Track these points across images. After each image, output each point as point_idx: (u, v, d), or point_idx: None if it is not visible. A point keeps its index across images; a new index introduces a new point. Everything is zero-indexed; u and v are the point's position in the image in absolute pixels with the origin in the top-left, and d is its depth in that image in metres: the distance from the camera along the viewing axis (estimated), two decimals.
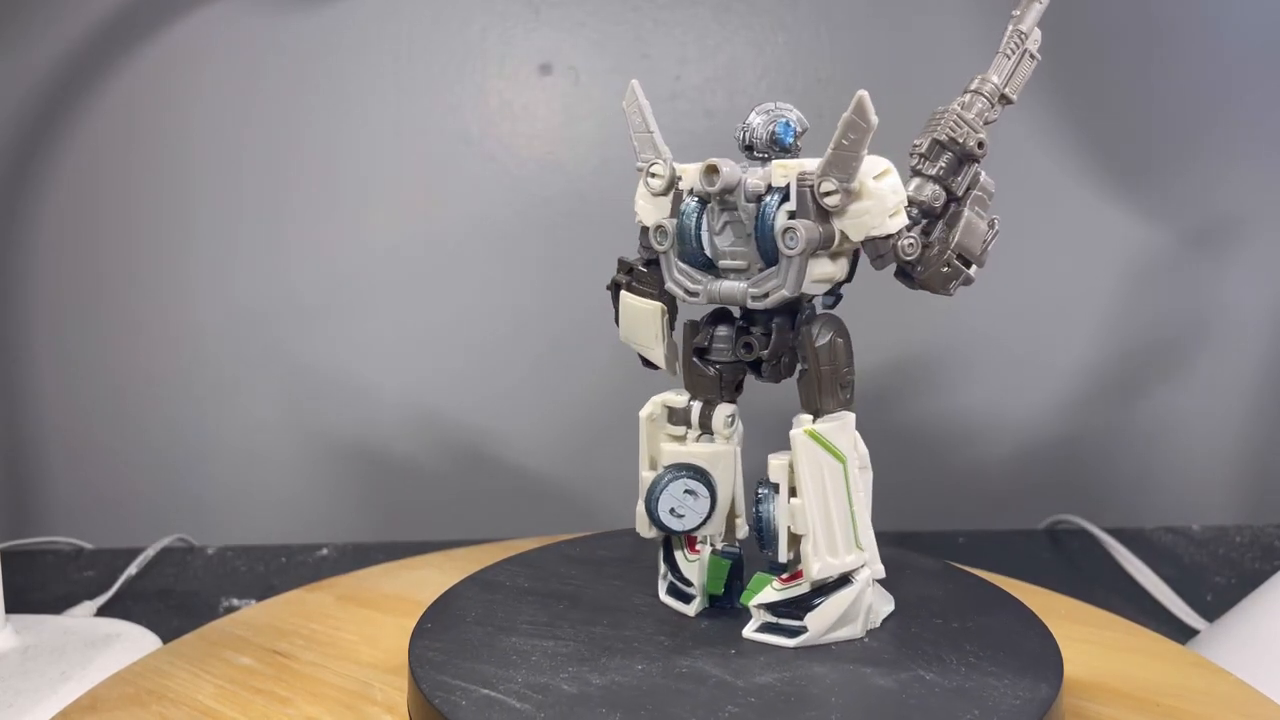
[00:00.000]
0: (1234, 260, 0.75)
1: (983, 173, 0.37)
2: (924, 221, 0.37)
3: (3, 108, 0.71)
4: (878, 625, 0.39)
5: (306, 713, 0.40)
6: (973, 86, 0.38)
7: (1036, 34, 0.39)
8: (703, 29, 0.72)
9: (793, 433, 0.36)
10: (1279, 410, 0.77)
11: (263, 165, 0.73)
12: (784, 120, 0.36)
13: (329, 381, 0.75)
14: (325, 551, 0.73)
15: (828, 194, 0.34)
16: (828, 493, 0.36)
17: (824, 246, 0.35)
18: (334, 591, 0.52)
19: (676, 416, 0.40)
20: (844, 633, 0.38)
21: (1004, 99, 0.38)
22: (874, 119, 0.33)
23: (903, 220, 0.35)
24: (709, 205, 0.37)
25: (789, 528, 0.36)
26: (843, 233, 0.35)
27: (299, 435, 0.76)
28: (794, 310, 0.37)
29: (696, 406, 0.39)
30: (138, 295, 0.74)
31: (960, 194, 0.37)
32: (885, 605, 0.40)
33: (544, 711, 0.33)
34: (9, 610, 0.55)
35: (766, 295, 0.36)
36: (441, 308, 0.75)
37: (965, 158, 0.37)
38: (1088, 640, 0.46)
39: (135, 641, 0.51)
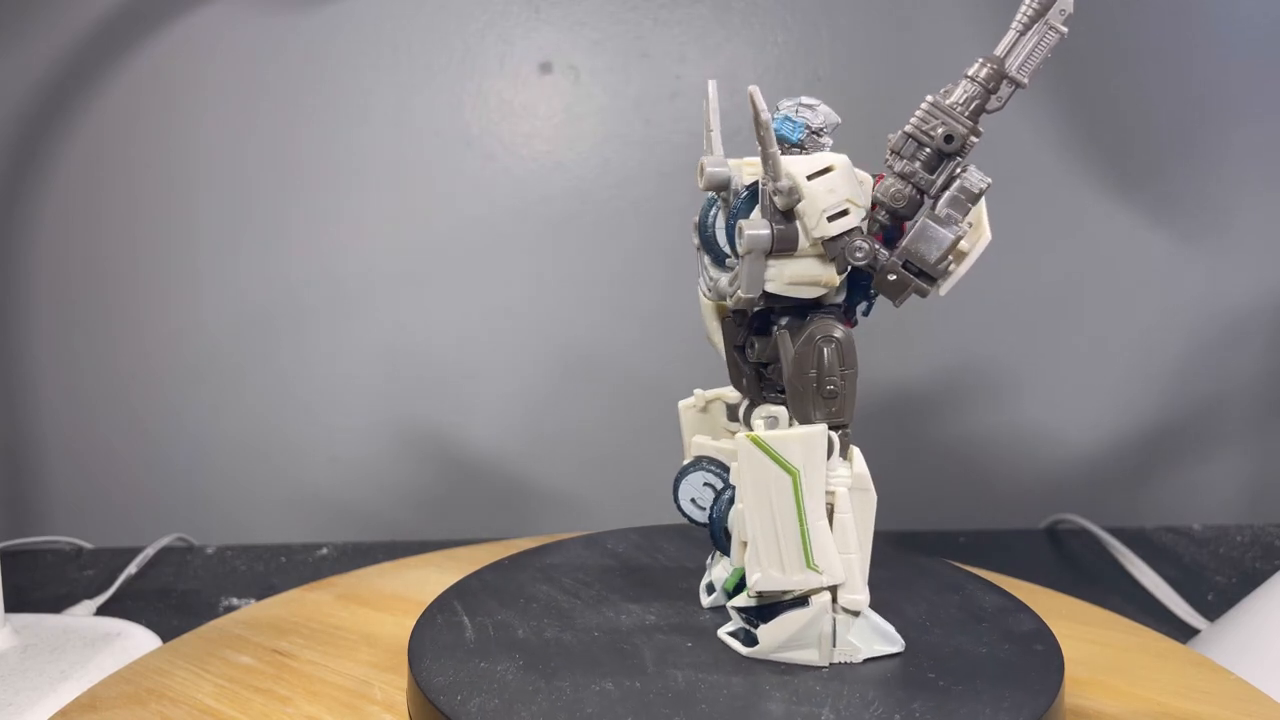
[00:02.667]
0: (1235, 260, 0.75)
1: (968, 170, 0.34)
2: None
3: (5, 105, 0.71)
4: (855, 661, 0.36)
5: (306, 711, 0.40)
6: (969, 71, 0.34)
7: (1065, 2, 0.33)
8: (703, 28, 0.72)
9: (737, 435, 0.35)
10: (1279, 410, 0.77)
11: (263, 164, 0.73)
12: (781, 115, 0.35)
13: (328, 381, 0.75)
14: (325, 551, 0.73)
15: (774, 194, 0.33)
16: (772, 504, 0.34)
17: (784, 248, 0.33)
18: (334, 591, 0.52)
19: (732, 412, 0.40)
20: (801, 656, 0.36)
21: (1010, 81, 0.33)
22: (764, 115, 0.32)
23: (850, 222, 0.33)
24: (719, 202, 0.37)
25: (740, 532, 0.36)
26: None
27: (298, 434, 0.76)
28: (805, 313, 0.36)
29: (745, 404, 0.39)
30: (137, 295, 0.74)
31: (934, 193, 0.34)
32: (877, 644, 0.37)
33: (477, 644, 0.38)
34: (9, 609, 0.55)
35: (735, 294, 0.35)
36: (441, 307, 0.74)
37: (938, 152, 0.34)
38: (1088, 639, 0.46)
39: (135, 640, 0.51)
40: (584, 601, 0.42)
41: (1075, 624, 0.47)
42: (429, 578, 0.53)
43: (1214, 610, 0.59)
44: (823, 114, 0.35)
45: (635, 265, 0.73)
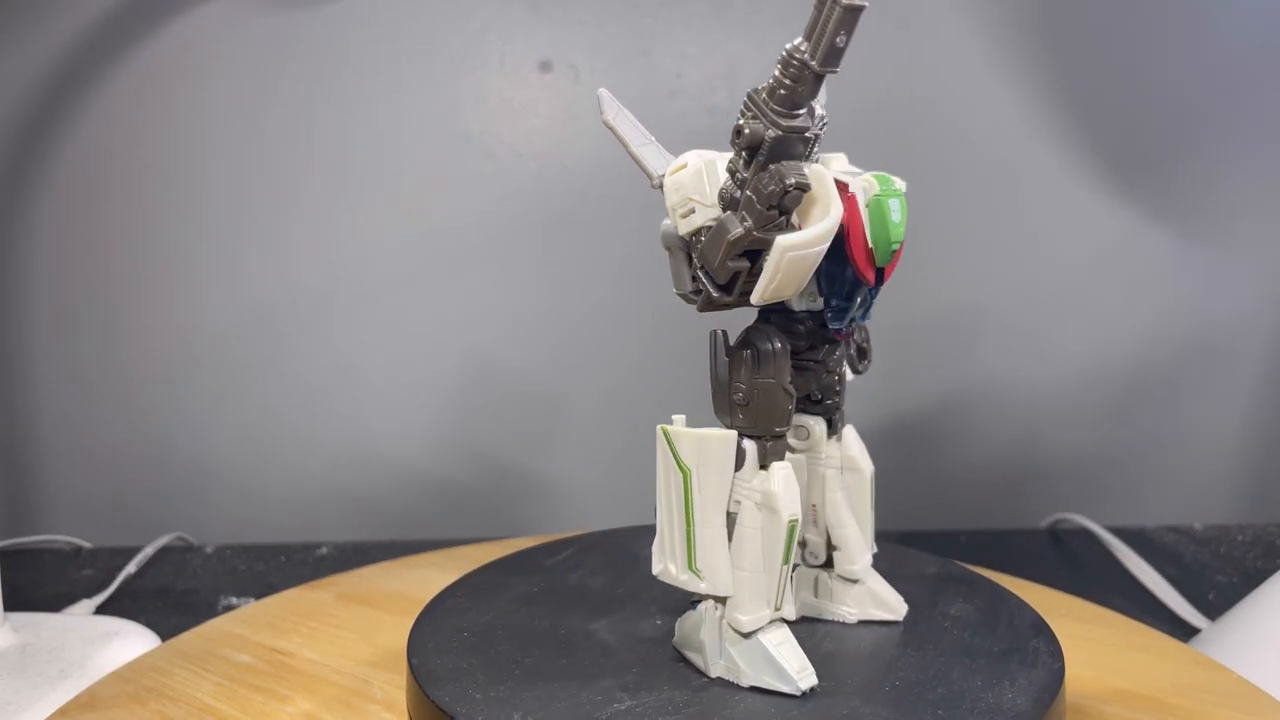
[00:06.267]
0: (1235, 258, 0.75)
1: (771, 168, 0.30)
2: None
3: (6, 104, 0.71)
4: (739, 684, 0.34)
5: (306, 710, 0.39)
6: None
7: None
8: (703, 26, 0.72)
9: (659, 426, 0.34)
10: (1279, 409, 0.77)
11: (263, 163, 0.72)
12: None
13: (328, 380, 0.75)
14: (324, 550, 0.73)
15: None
16: (670, 498, 0.34)
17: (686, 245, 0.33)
18: (333, 590, 0.52)
19: None
20: (694, 657, 0.36)
21: (803, 68, 0.29)
22: (605, 117, 0.33)
23: (695, 221, 0.32)
24: None
25: None
26: None
27: (298, 434, 0.75)
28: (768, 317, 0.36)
29: None
30: (137, 294, 0.74)
31: (742, 191, 0.31)
32: (766, 676, 0.34)
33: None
34: (8, 608, 0.54)
35: None
36: (441, 306, 0.74)
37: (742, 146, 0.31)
38: (1090, 639, 0.46)
39: (134, 639, 0.51)
40: (613, 586, 0.43)
41: (1076, 623, 0.47)
42: (429, 577, 0.53)
43: (1215, 609, 0.59)
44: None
45: (635, 263, 0.73)
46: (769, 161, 0.30)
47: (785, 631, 0.34)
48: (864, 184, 0.34)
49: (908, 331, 0.75)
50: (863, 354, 0.40)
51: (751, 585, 0.33)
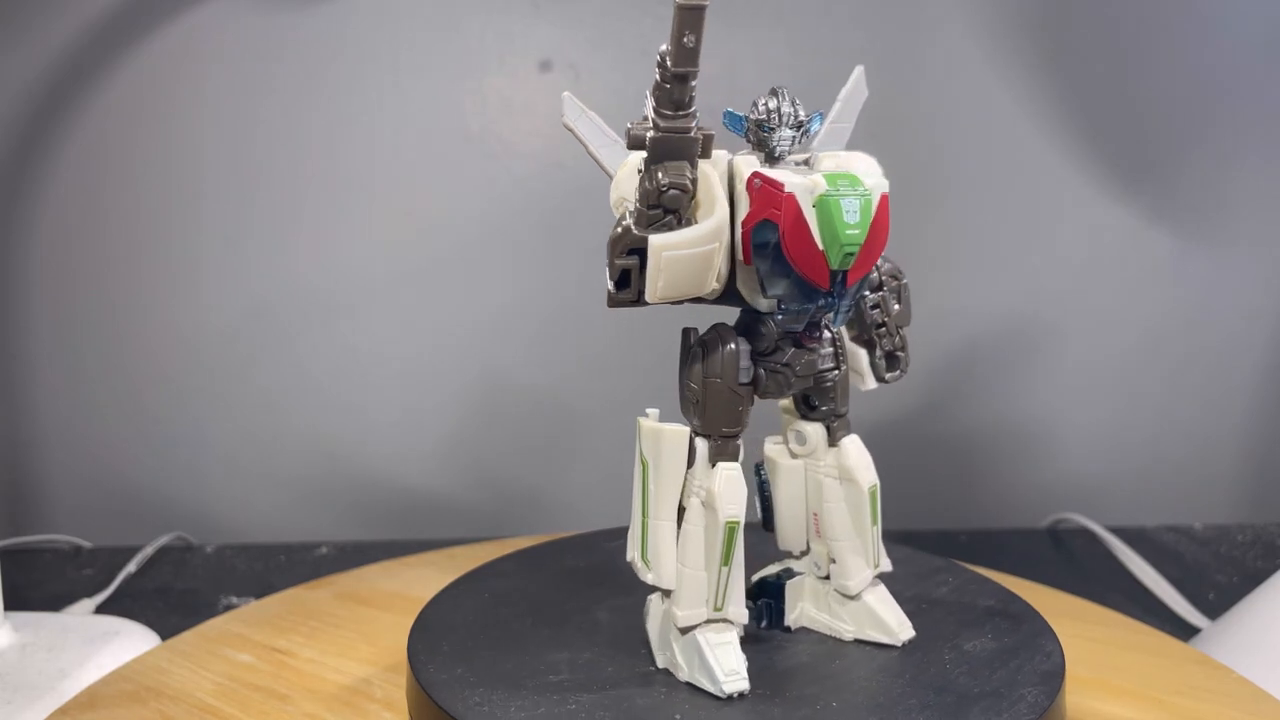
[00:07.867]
0: (1236, 259, 0.75)
1: (655, 167, 0.31)
2: None
3: (6, 103, 0.71)
4: (679, 678, 0.35)
5: (306, 710, 0.39)
6: None
7: None
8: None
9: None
10: (1279, 409, 0.77)
11: (262, 162, 0.72)
12: (728, 111, 0.34)
13: (328, 379, 0.75)
14: (324, 550, 0.73)
15: None
16: (635, 484, 0.35)
17: None
18: (333, 589, 0.52)
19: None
20: (652, 646, 0.37)
21: (663, 67, 0.29)
22: (566, 120, 0.33)
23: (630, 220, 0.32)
24: None
25: None
26: None
27: (298, 433, 0.75)
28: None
29: None
30: (137, 294, 0.74)
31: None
32: (698, 674, 0.34)
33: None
34: (8, 608, 0.54)
35: None
36: (441, 305, 0.74)
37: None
38: (1090, 638, 0.46)
39: (134, 639, 0.51)
40: (625, 575, 0.43)
41: (1076, 622, 0.47)
42: (428, 577, 0.53)
43: (1215, 609, 0.59)
44: (768, 107, 0.33)
45: None
46: (653, 161, 0.31)
47: (730, 634, 0.34)
48: (809, 183, 0.31)
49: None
50: (893, 362, 0.39)
51: (692, 582, 0.34)
